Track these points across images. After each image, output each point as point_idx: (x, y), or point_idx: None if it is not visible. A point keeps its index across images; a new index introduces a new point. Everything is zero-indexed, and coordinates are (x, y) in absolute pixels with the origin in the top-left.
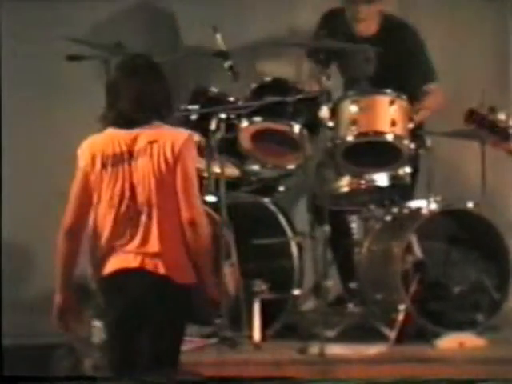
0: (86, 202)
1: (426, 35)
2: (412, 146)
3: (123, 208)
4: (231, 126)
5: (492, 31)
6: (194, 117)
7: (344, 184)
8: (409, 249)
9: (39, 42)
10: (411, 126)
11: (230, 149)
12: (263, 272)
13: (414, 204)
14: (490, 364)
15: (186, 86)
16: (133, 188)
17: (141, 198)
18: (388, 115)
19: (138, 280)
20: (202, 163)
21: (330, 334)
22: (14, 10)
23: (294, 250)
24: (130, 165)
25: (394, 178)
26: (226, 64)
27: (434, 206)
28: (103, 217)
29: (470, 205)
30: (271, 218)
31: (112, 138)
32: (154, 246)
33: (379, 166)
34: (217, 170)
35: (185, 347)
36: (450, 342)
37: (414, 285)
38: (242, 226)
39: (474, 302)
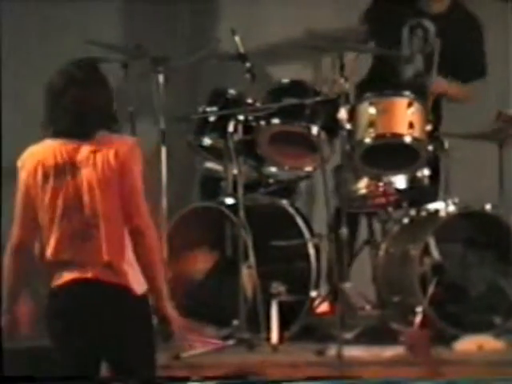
0: (31, 216)
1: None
2: (430, 147)
3: (69, 220)
4: (249, 128)
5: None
6: (212, 119)
7: (362, 186)
8: (427, 251)
9: (52, 44)
10: (429, 128)
11: (247, 151)
12: (281, 274)
13: (432, 206)
14: (508, 366)
15: (204, 88)
16: (78, 199)
17: (87, 208)
18: (406, 117)
19: (93, 290)
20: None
21: (348, 336)
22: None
23: (312, 251)
24: (73, 176)
25: (412, 181)
26: (245, 66)
27: (451, 209)
28: (48, 230)
29: (488, 207)
30: (289, 220)
31: (53, 148)
32: (104, 256)
33: (397, 169)
34: (234, 171)
35: (202, 349)
36: (468, 344)
37: (431, 287)
38: (260, 228)
39: (491, 305)
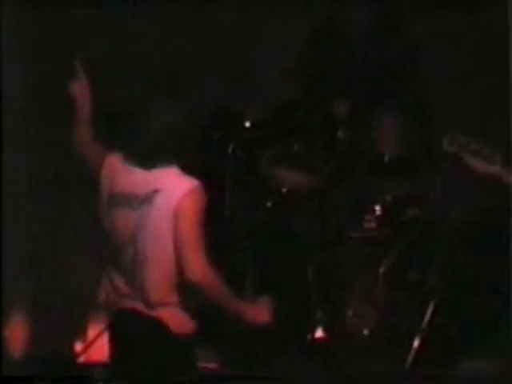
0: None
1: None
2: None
3: (125, 251)
4: (250, 150)
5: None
6: (213, 138)
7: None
8: (425, 274)
9: None
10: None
11: (248, 171)
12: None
13: (430, 225)
14: None
15: (208, 109)
16: (133, 234)
17: (140, 245)
18: (404, 135)
19: (135, 324)
20: None
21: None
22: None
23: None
24: (133, 209)
25: (412, 197)
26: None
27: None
28: (107, 254)
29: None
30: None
31: (127, 177)
32: (151, 293)
33: (397, 186)
34: None
35: None
36: (468, 365)
37: (429, 311)
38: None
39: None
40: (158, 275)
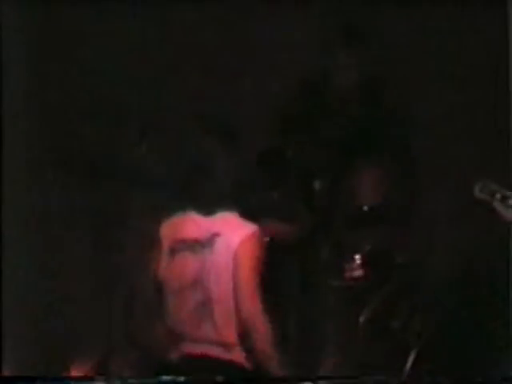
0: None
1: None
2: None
3: (189, 296)
4: None
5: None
6: None
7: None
8: (407, 322)
9: None
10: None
11: None
12: None
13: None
14: None
15: None
16: (196, 278)
17: (205, 289)
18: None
19: (205, 365)
20: None
21: None
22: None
23: None
24: (196, 253)
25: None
26: None
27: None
28: (169, 301)
29: None
30: None
31: (187, 223)
32: (217, 335)
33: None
34: None
35: None
36: None
37: (410, 360)
38: None
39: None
40: (226, 317)
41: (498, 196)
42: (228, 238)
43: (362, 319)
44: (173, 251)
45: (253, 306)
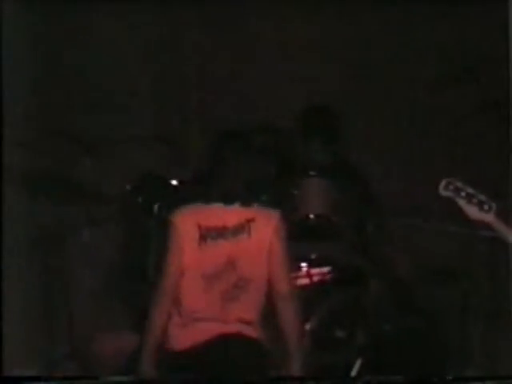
0: (180, 270)
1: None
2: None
3: (220, 280)
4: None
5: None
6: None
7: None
8: (352, 332)
9: None
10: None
11: None
12: None
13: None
14: None
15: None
16: (230, 262)
17: (238, 272)
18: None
19: (237, 344)
20: None
21: None
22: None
23: None
24: (228, 240)
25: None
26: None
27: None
28: (194, 288)
29: None
30: None
31: (212, 211)
32: (247, 315)
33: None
34: None
35: None
36: None
37: (356, 369)
38: None
39: None
40: (259, 298)
41: (463, 194)
42: (264, 222)
43: (308, 327)
44: (203, 238)
45: (287, 287)
